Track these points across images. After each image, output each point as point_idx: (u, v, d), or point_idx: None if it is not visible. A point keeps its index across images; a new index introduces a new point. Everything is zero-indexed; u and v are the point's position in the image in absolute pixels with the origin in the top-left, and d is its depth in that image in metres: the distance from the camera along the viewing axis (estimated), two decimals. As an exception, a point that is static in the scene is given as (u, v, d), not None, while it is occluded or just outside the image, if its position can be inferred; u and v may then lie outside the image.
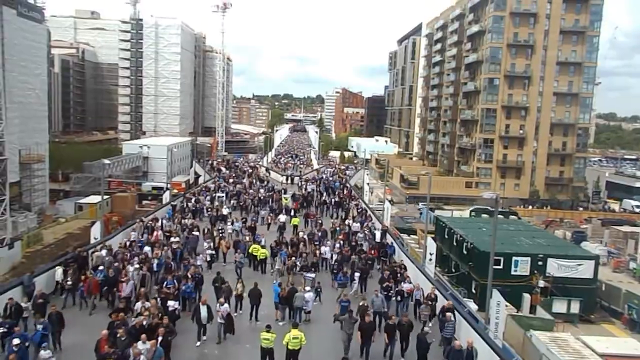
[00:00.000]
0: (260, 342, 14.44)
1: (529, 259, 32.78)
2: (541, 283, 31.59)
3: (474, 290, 32.65)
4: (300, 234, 27.75)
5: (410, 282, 20.21)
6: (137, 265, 19.84)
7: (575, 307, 30.95)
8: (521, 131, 79.57)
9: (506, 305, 21.90)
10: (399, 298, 19.06)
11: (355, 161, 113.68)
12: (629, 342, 22.13)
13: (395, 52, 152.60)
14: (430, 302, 18.10)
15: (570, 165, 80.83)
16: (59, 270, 19.45)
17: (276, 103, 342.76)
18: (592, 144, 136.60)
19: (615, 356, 18.38)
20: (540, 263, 32.60)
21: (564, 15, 77.87)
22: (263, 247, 24.86)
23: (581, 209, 75.74)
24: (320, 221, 32.38)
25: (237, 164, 76.35)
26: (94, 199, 50.15)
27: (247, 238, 26.01)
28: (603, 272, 38.74)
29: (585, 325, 30.47)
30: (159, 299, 16.69)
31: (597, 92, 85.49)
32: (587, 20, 78.13)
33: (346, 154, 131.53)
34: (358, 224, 31.51)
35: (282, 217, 32.45)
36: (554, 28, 77.74)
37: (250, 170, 65.54)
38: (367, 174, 61.18)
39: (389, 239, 28.80)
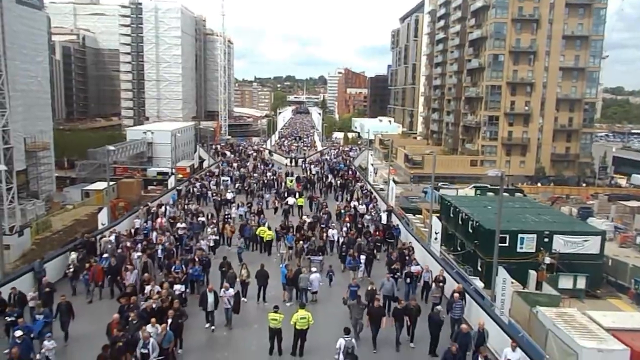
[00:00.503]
0: (269, 323, 14.60)
1: (534, 236, 32.82)
2: (547, 260, 31.67)
3: (479, 268, 32.81)
4: (304, 217, 27.76)
5: (418, 264, 20.22)
6: (139, 253, 19.94)
7: (581, 283, 31.07)
8: (526, 107, 78.78)
9: (512, 282, 22.02)
10: (407, 280, 19.08)
11: (359, 142, 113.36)
12: (636, 317, 22.23)
13: (398, 31, 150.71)
14: (440, 284, 18.13)
15: (577, 141, 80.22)
16: (73, 255, 19.63)
17: (278, 85, 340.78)
18: (599, 119, 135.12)
19: (622, 330, 18.42)
20: (546, 240, 32.64)
21: (570, -12, 76.45)
22: (269, 228, 24.98)
23: (584, 184, 75.39)
24: (324, 203, 32.38)
25: (241, 147, 76.31)
26: (100, 185, 50.47)
27: (253, 222, 26.05)
28: (610, 248, 38.78)
29: (591, 301, 30.59)
30: (166, 283, 16.83)
31: (604, 66, 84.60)
32: (594, -8, 76.71)
33: (350, 134, 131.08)
34: (364, 206, 31.49)
35: (290, 200, 32.52)
36: (559, 1, 76.31)
37: (255, 154, 65.55)
38: (371, 155, 60.93)
39: (395, 220, 28.80)
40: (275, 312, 14.59)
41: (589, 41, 77.66)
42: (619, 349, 16.66)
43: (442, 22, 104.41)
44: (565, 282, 30.64)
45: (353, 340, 13.46)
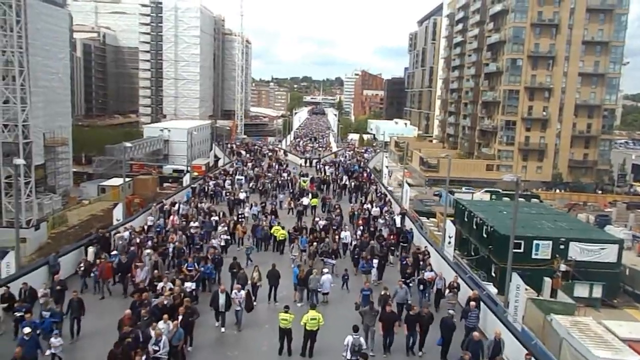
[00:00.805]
0: (279, 323, 14.61)
1: (550, 242, 32.32)
2: (562, 267, 31.16)
3: (493, 274, 32.41)
4: (317, 219, 27.65)
5: (432, 270, 19.98)
6: (149, 251, 19.86)
7: (597, 292, 30.48)
8: (544, 113, 77.80)
9: (526, 289, 21.71)
10: (421, 287, 18.87)
11: (374, 144, 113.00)
12: (653, 328, 21.73)
13: (416, 33, 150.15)
14: (454, 290, 17.91)
15: (595, 147, 78.97)
16: (91, 250, 19.78)
17: (295, 86, 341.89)
18: (619, 126, 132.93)
19: (639, 341, 18.08)
20: (562, 247, 32.12)
21: (591, -8, 75.36)
22: (283, 227, 24.97)
23: (601, 192, 74.10)
24: (336, 205, 32.30)
25: (256, 147, 76.65)
26: (116, 181, 51.06)
27: (264, 223, 25.96)
28: (628, 257, 38.00)
29: (608, 310, 30.02)
30: (178, 280, 16.88)
31: (624, 72, 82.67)
32: (616, -3, 75.48)
33: (365, 136, 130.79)
34: (378, 209, 31.33)
35: (305, 201, 32.57)
36: (580, 6, 75.28)
37: (270, 154, 65.79)
38: (386, 157, 60.77)
39: (409, 224, 28.59)
40: (286, 312, 14.59)
41: (609, 47, 76.40)
42: (634, 361, 16.35)
43: (460, 26, 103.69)
44: (581, 290, 30.08)
45: (361, 338, 13.46)
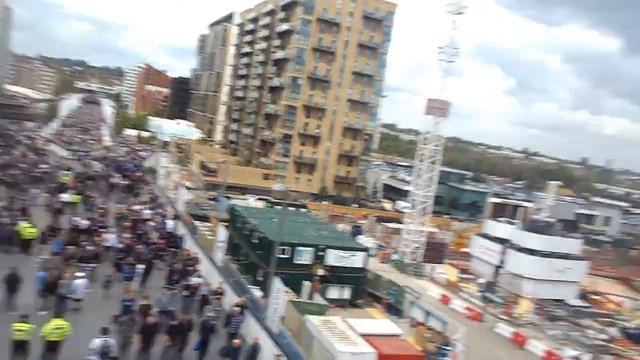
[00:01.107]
0: (13, 334, 12.67)
1: (312, 249, 35.43)
2: (320, 271, 34.49)
3: (261, 278, 33.93)
4: (77, 218, 24.88)
5: (200, 276, 19.80)
6: None
7: (346, 294, 34.58)
8: (317, 130, 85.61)
9: (287, 292, 23.31)
10: (186, 293, 18.49)
11: (154, 142, 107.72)
12: (384, 323, 25.73)
13: (206, 36, 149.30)
14: (219, 296, 18.02)
15: (356, 166, 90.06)
16: None
17: (67, 69, 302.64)
18: (376, 149, 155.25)
19: (372, 335, 21.10)
20: (321, 253, 35.53)
21: (362, 30, 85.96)
22: (35, 226, 21.68)
23: (357, 205, 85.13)
24: (104, 205, 29.73)
25: (9, 131, 65.20)
26: None
27: (5, 219, 22.17)
28: (373, 263, 44.17)
29: (353, 310, 34.30)
30: None
31: (382, 104, 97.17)
32: (381, 39, 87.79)
33: (145, 134, 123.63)
34: (149, 211, 29.90)
35: (64, 197, 29.01)
36: (352, 40, 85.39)
37: (27, 141, 56.87)
38: (165, 157, 58.49)
39: (180, 228, 27.97)
40: (23, 321, 12.72)
41: (373, 80, 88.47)
42: (368, 352, 18.97)
43: (249, 37, 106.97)
44: (334, 292, 33.67)
45: (111, 340, 12.67)
